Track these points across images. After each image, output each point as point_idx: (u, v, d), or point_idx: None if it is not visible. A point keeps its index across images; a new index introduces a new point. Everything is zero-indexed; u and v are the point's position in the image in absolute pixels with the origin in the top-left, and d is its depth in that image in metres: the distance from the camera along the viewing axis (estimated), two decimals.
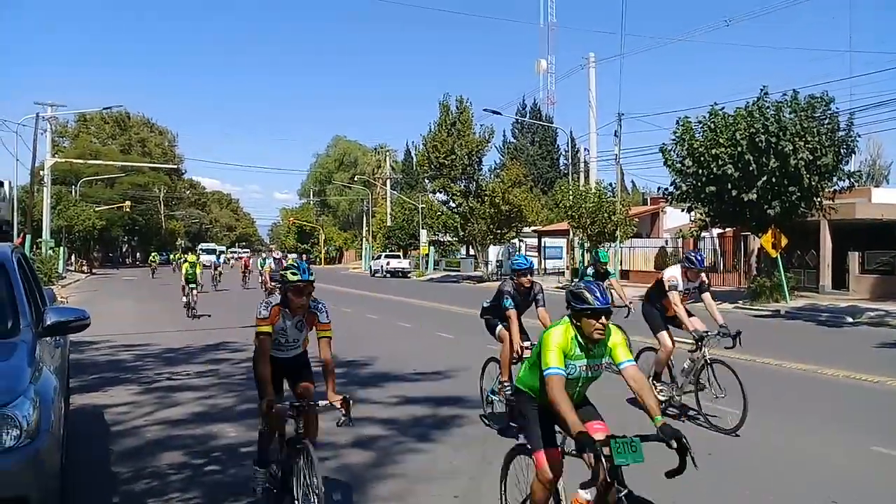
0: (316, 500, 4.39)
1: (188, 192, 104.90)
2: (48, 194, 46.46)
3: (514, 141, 72.02)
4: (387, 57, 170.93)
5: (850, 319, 19.30)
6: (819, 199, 23.18)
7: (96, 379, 10.25)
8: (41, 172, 46.26)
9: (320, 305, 5.06)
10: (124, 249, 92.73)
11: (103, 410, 8.32)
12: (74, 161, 58.47)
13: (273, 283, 22.56)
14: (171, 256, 62.45)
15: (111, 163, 64.65)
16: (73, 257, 59.05)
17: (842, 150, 22.48)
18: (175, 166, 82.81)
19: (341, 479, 5.84)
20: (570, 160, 47.82)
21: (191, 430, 7.45)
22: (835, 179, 23.00)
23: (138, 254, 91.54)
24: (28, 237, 34.75)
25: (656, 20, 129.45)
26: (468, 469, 6.08)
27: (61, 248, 48.84)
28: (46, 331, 5.00)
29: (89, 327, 5.48)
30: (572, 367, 4.21)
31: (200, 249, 74.18)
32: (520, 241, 49.60)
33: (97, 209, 60.30)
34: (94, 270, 57.47)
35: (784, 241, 23.22)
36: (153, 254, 52.17)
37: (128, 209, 64.95)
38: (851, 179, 23.35)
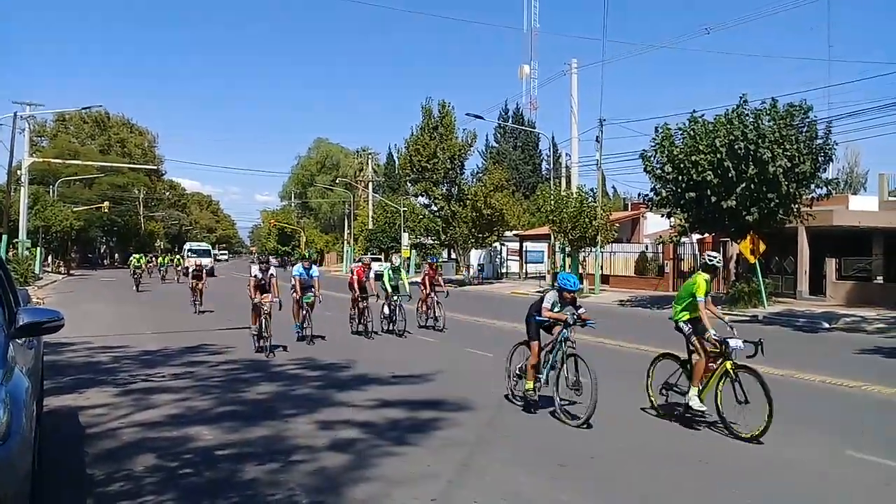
0: None
1: (168, 193, 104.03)
2: (25, 194, 45.90)
3: (497, 145, 72.13)
4: (370, 60, 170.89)
5: (827, 325, 19.51)
6: (797, 206, 23.42)
7: (72, 381, 10.12)
8: (18, 172, 45.74)
9: None
10: (102, 250, 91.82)
11: (78, 412, 8.22)
12: (52, 161, 57.77)
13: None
14: (161, 259, 50.30)
15: (90, 163, 63.97)
16: (50, 258, 58.39)
17: (820, 158, 22.74)
18: (155, 167, 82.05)
19: (319, 483, 5.81)
20: (551, 165, 47.96)
21: (167, 432, 7.37)
22: (812, 187, 23.26)
23: (116, 255, 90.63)
24: (4, 237, 34.34)
25: (638, 27, 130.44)
26: (446, 472, 6.07)
27: (38, 249, 48.26)
28: (19, 332, 4.92)
29: (65, 329, 5.41)
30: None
31: (189, 251, 60.46)
32: (501, 245, 49.70)
33: (75, 210, 59.65)
34: (71, 271, 56.81)
35: (762, 248, 23.43)
36: (136, 256, 37.65)
37: (106, 210, 64.29)
38: (829, 187, 23.61)
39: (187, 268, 49.66)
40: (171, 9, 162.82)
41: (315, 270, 15.53)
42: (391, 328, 16.89)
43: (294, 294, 15.13)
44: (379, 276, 18.32)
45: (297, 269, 15.51)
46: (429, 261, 20.32)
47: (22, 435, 3.89)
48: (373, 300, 16.95)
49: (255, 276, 13.77)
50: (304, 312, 15.13)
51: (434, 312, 18.30)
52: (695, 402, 7.79)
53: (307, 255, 19.85)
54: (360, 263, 18.28)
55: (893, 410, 9.24)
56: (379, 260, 57.27)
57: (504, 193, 44.09)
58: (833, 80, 63.23)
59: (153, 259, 54.30)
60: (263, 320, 13.24)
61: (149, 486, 5.66)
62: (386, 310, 17.09)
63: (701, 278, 8.15)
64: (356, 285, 16.76)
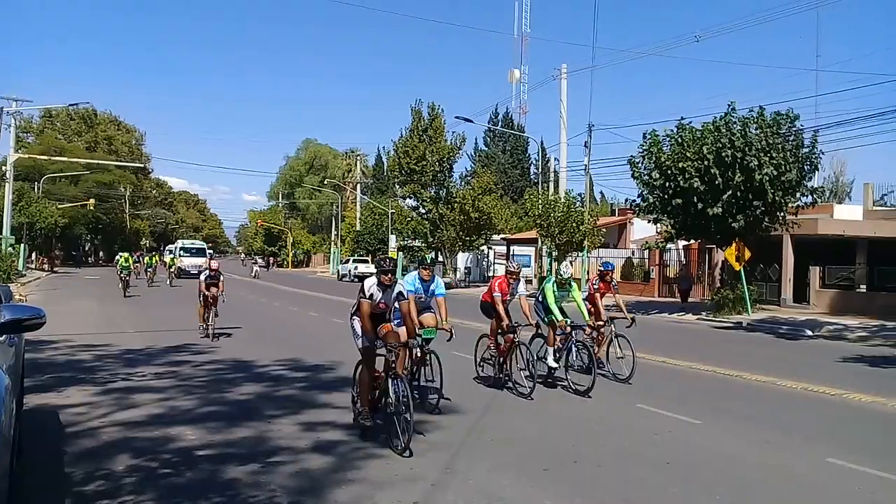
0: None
1: (154, 191, 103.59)
2: (10, 190, 45.50)
3: (486, 149, 72.24)
4: (360, 61, 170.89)
5: (810, 333, 19.63)
6: (782, 214, 23.57)
7: (53, 379, 10.02)
8: (3, 168, 45.38)
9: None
10: (87, 248, 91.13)
11: (59, 411, 8.14)
12: (38, 157, 57.38)
13: None
14: (148, 259, 41.15)
15: (76, 160, 63.51)
16: (34, 255, 57.88)
17: (805, 167, 22.90)
18: (142, 165, 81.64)
19: (301, 484, 5.78)
20: (540, 169, 48.05)
21: (148, 432, 7.31)
22: (798, 195, 23.40)
23: (101, 253, 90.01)
24: None
25: (628, 34, 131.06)
26: (429, 475, 6.05)
27: (22, 246, 47.83)
28: (0, 329, 4.87)
29: (47, 326, 5.36)
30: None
31: (181, 250, 54.10)
32: (488, 248, 49.74)
33: (60, 207, 59.22)
34: (55, 269, 56.36)
35: (748, 255, 23.56)
36: (124, 255, 30.99)
37: (92, 207, 63.88)
38: (814, 195, 23.78)
39: (181, 269, 45.66)
40: (160, 7, 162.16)
41: (440, 284, 9.77)
42: (553, 377, 10.60)
43: (391, 329, 7.78)
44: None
45: (411, 280, 9.54)
46: (601, 268, 12.94)
47: (1, 432, 3.85)
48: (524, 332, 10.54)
49: (371, 298, 7.46)
50: (417, 363, 9.10)
51: (608, 351, 11.61)
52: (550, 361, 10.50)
53: (429, 258, 9.41)
54: (505, 270, 11.03)
55: (875, 418, 9.29)
56: (366, 261, 57.16)
57: (492, 197, 44.16)
58: (820, 89, 63.87)
59: (140, 258, 46.10)
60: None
61: (128, 486, 5.60)
62: (549, 357, 10.50)
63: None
64: (500, 307, 10.23)
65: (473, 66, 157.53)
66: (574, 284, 10.98)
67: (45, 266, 56.55)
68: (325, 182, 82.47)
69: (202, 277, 15.94)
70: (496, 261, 52.29)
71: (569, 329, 10.43)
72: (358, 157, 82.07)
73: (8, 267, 35.07)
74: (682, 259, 33.60)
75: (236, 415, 8.17)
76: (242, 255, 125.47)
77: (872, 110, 38.81)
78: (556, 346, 10.59)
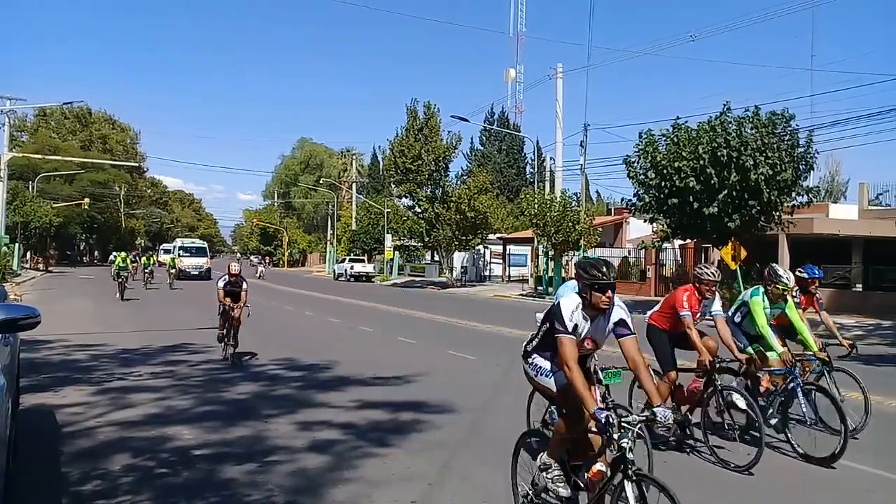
0: None
1: (149, 190, 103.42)
2: (4, 189, 45.32)
3: (482, 148, 72.26)
4: (355, 60, 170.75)
5: None
6: (778, 214, 23.61)
7: (49, 378, 9.99)
8: None
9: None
10: (82, 247, 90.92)
11: (55, 410, 8.11)
12: (32, 156, 57.22)
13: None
14: (146, 259, 37.35)
15: (71, 159, 63.36)
16: (28, 254, 57.73)
17: (801, 166, 22.95)
18: (136, 164, 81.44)
19: (297, 483, 5.77)
20: (536, 169, 48.09)
21: (144, 431, 7.30)
22: (794, 194, 23.46)
23: (96, 252, 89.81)
24: None
25: (624, 34, 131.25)
26: (426, 474, 6.04)
27: (16, 245, 47.70)
28: None
29: (43, 326, 5.33)
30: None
31: (180, 249, 49.67)
32: (485, 247, 49.75)
33: (55, 206, 59.07)
34: (50, 268, 56.21)
35: (743, 254, 23.59)
36: (121, 255, 28.38)
37: (87, 206, 63.74)
38: (810, 195, 23.84)
39: (181, 271, 41.35)
40: (156, 6, 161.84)
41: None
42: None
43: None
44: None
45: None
46: (802, 273, 8.90)
47: None
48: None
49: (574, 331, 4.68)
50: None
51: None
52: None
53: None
54: (696, 277, 7.23)
55: (875, 417, 9.30)
56: (362, 261, 57.12)
57: (488, 196, 44.14)
58: (816, 89, 64.01)
59: (137, 258, 41.35)
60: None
61: (124, 486, 5.59)
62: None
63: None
64: (695, 334, 7.01)
65: (469, 66, 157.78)
66: (790, 299, 7.83)
67: (40, 265, 56.40)
68: (321, 181, 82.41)
69: (220, 284, 12.76)
70: (492, 260, 52.36)
71: (794, 364, 7.12)
72: (354, 157, 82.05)
73: (2, 266, 34.95)
74: (679, 258, 33.64)
75: (233, 414, 8.16)
76: (238, 254, 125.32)
77: (868, 110, 38.92)
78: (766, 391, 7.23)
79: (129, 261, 29.06)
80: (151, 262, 37.24)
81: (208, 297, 22.83)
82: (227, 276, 12.77)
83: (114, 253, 46.81)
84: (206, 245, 55.52)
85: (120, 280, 26.99)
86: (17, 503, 4.94)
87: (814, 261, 27.10)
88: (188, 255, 46.97)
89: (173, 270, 36.55)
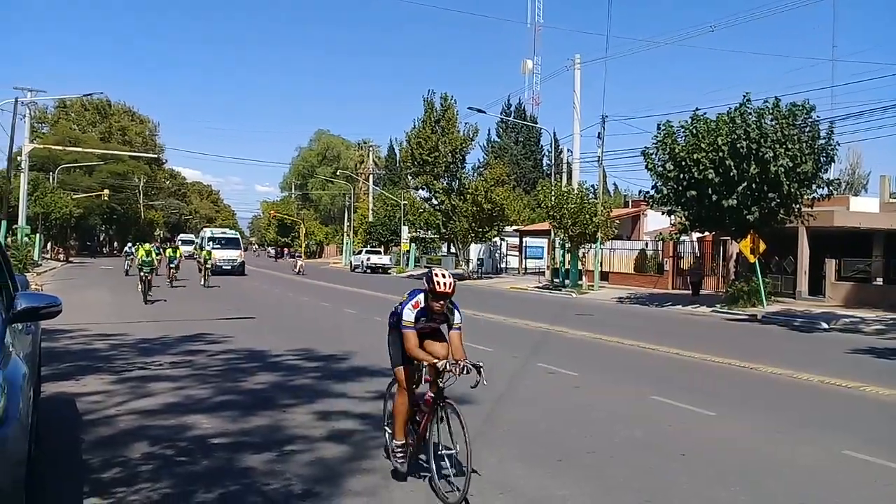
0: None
1: (168, 182, 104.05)
2: (25, 180, 45.84)
3: (499, 140, 72.12)
4: (372, 53, 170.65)
5: (825, 325, 19.50)
6: (798, 206, 23.41)
7: (69, 367, 10.11)
8: (18, 158, 45.68)
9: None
10: (102, 238, 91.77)
11: (75, 399, 8.20)
12: (53, 147, 57.74)
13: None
14: (171, 251, 32.31)
15: (90, 150, 63.87)
16: (49, 245, 58.35)
17: (821, 158, 22.71)
18: (155, 156, 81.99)
19: (316, 472, 5.79)
20: (553, 161, 47.93)
21: (164, 420, 7.36)
22: (814, 187, 23.23)
23: (116, 243, 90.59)
24: (3, 223, 34.29)
25: (643, 24, 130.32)
26: None
27: (37, 236, 48.22)
28: (16, 317, 4.89)
29: (63, 316, 5.39)
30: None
31: (209, 240, 42.88)
32: (501, 240, 49.70)
33: (75, 197, 59.63)
34: (70, 259, 56.79)
35: (762, 247, 23.42)
36: (145, 246, 24.38)
37: (106, 198, 64.27)
38: (830, 187, 23.60)
39: (215, 265, 34.87)
40: (174, 1, 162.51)
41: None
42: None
43: None
44: None
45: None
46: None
47: (19, 420, 3.88)
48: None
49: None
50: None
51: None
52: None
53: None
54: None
55: (892, 411, 9.23)
56: (378, 252, 57.22)
57: (505, 188, 44.14)
58: (837, 80, 63.18)
59: (160, 250, 36.30)
60: None
61: (144, 474, 5.64)
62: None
63: None
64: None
65: (486, 58, 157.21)
66: None
67: (61, 256, 57.02)
68: (338, 173, 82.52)
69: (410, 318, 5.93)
70: (508, 252, 52.30)
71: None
72: (370, 149, 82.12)
73: (24, 257, 35.33)
74: (696, 251, 33.43)
75: (251, 404, 8.21)
76: (255, 245, 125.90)
77: (890, 101, 38.45)
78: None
79: (153, 254, 24.21)
80: (178, 254, 31.10)
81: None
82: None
83: (130, 244, 45.02)
84: (238, 235, 49.36)
85: (144, 278, 22.07)
86: (39, 490, 4.99)
87: (834, 254, 27.04)
88: (218, 246, 40.34)
89: (209, 265, 30.83)
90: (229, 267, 40.03)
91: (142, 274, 22.35)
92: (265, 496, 5.26)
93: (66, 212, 54.61)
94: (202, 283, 29.93)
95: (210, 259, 31.15)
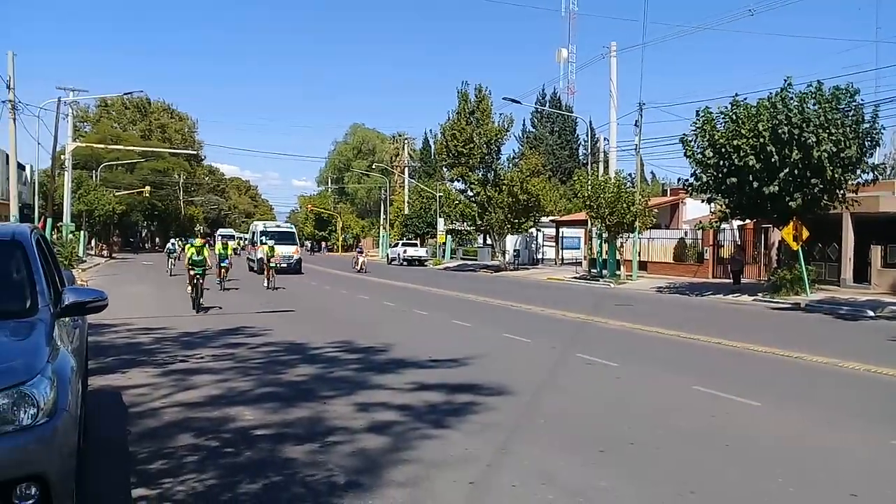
0: None
1: (207, 178, 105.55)
2: (69, 178, 46.86)
3: (534, 130, 71.70)
4: (406, 44, 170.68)
5: (871, 313, 19.07)
6: (842, 192, 22.89)
7: (115, 361, 10.32)
8: (62, 157, 46.65)
9: None
10: (143, 234, 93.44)
11: (121, 392, 8.36)
12: (95, 146, 58.90)
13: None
14: (221, 248, 25.34)
15: (132, 148, 65.07)
16: (93, 241, 59.57)
17: (866, 143, 22.17)
18: (194, 152, 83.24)
19: (358, 464, 5.83)
20: (589, 150, 47.54)
21: (207, 412, 7.47)
22: (858, 172, 22.69)
23: (157, 238, 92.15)
24: (49, 221, 35.08)
25: (679, 9, 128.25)
26: (484, 456, 6.04)
27: (82, 232, 49.27)
28: (64, 311, 5.01)
29: (107, 310, 5.48)
30: None
31: (261, 234, 39.01)
32: (537, 230, 49.48)
33: (117, 194, 60.78)
34: (113, 255, 57.94)
35: (805, 234, 22.96)
36: (196, 242, 20.60)
37: (147, 194, 65.38)
38: (875, 172, 23.01)
39: (278, 265, 31.26)
40: None
41: None
42: None
43: None
44: None
45: None
46: None
47: (68, 412, 3.96)
48: None
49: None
50: None
51: None
52: None
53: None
54: None
55: None
56: (415, 245, 57.34)
57: (540, 179, 43.84)
58: (881, 62, 61.50)
59: (210, 245, 30.52)
60: None
61: (190, 465, 5.73)
62: None
63: None
64: None
65: (521, 48, 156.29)
66: None
67: (104, 252, 58.19)
68: (373, 166, 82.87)
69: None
70: (545, 243, 52.04)
71: None
72: (405, 141, 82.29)
73: (69, 253, 36.11)
74: (737, 239, 32.91)
75: (292, 395, 8.29)
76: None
77: None
78: None
79: (206, 252, 20.18)
80: (228, 251, 25.51)
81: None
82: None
83: (172, 241, 40.29)
84: (294, 229, 44.02)
85: (195, 281, 18.48)
86: (87, 480, 5.10)
87: (879, 240, 26.42)
88: (272, 241, 33.44)
89: (273, 263, 27.31)
90: (286, 265, 35.68)
91: (192, 274, 18.69)
92: (308, 487, 5.30)
93: (108, 209, 55.66)
94: (265, 284, 26.36)
95: (273, 255, 27.53)
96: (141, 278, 31.52)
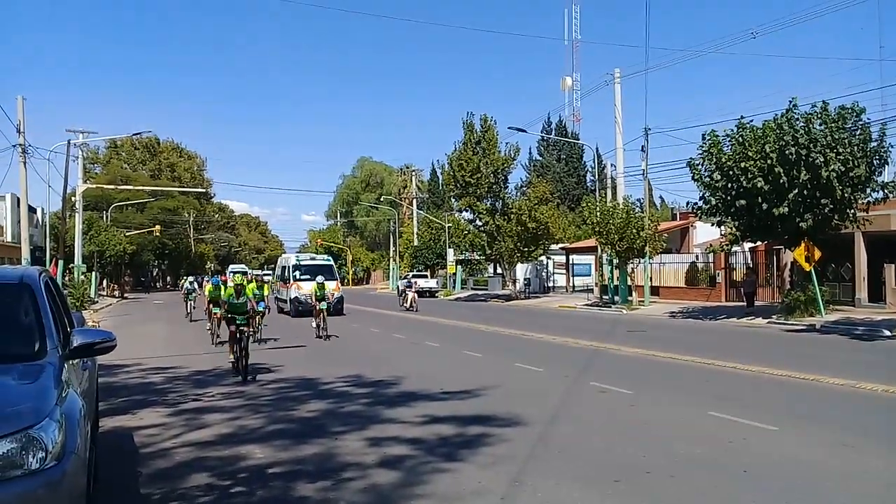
0: None
1: (217, 215, 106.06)
2: (80, 220, 47.23)
3: (540, 158, 71.98)
4: (411, 76, 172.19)
5: (888, 333, 18.85)
6: (853, 211, 22.78)
7: (126, 401, 10.28)
8: (73, 199, 47.09)
9: None
10: (155, 273, 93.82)
11: (133, 433, 8.32)
12: (105, 187, 59.46)
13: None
14: (252, 288, 15.46)
15: (141, 188, 65.62)
16: (104, 282, 59.87)
17: (875, 161, 22.10)
18: (204, 190, 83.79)
19: (370, 500, 5.76)
20: (596, 176, 47.59)
21: (219, 451, 7.41)
22: (868, 191, 22.58)
23: (168, 277, 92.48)
24: (61, 262, 35.29)
25: (682, 34, 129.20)
26: (497, 488, 5.96)
27: (93, 273, 49.54)
28: (73, 353, 5.01)
29: (119, 351, 5.48)
30: None
31: (297, 268, 33.14)
32: (547, 258, 49.41)
33: (128, 234, 61.17)
34: (125, 295, 58.17)
35: (818, 254, 22.81)
36: (236, 278, 14.65)
37: (158, 233, 65.77)
38: (886, 190, 22.87)
39: (300, 303, 28.94)
40: (214, 33, 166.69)
41: None
42: None
43: None
44: None
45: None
46: None
47: (77, 455, 3.94)
48: None
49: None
50: None
51: None
52: None
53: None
54: None
55: None
56: (425, 276, 57.30)
57: (549, 206, 43.85)
58: (886, 81, 61.54)
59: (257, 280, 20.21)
60: None
61: None
62: None
63: None
64: None
65: (525, 78, 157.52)
66: None
67: (116, 292, 58.46)
68: (382, 199, 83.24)
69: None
70: (555, 271, 51.93)
71: None
72: (413, 173, 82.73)
73: (81, 294, 36.29)
74: (749, 261, 32.74)
75: (303, 432, 8.23)
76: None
77: None
78: None
79: (249, 292, 14.54)
80: (264, 291, 18.42)
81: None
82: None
83: (190, 278, 34.00)
84: (332, 262, 36.11)
85: (237, 335, 13.37)
86: None
87: (893, 259, 26.17)
88: (308, 277, 28.91)
89: (322, 306, 20.77)
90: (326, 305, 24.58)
91: (233, 329, 13.44)
92: None
93: (119, 249, 55.99)
94: (318, 333, 20.47)
95: (323, 295, 20.82)
96: (153, 317, 31.58)
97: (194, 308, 28.45)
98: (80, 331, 5.43)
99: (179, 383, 12.23)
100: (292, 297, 30.54)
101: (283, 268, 34.99)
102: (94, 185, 56.49)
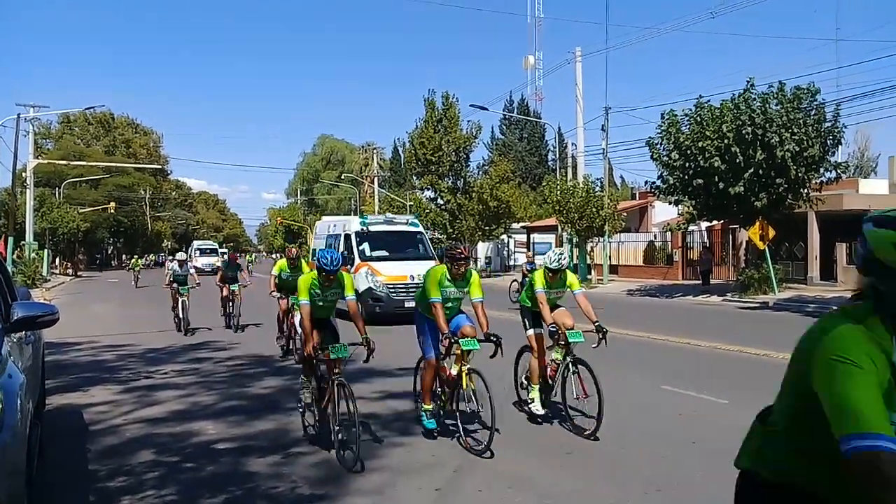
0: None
1: (174, 192, 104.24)
2: (31, 196, 46.01)
3: (502, 137, 71.90)
4: (372, 54, 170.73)
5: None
6: (806, 191, 23.21)
7: (76, 379, 10.07)
8: (23, 174, 45.84)
9: None
10: (110, 251, 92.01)
11: (82, 410, 8.16)
12: (58, 163, 57.93)
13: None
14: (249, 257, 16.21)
15: (95, 164, 64.02)
16: (57, 260, 58.52)
17: (828, 141, 22.51)
18: (160, 167, 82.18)
19: (322, 473, 5.73)
20: (557, 155, 47.80)
21: (170, 428, 7.31)
22: (822, 171, 23.01)
23: (123, 256, 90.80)
24: (10, 239, 34.41)
25: (642, 13, 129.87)
26: (450, 461, 5.98)
27: (45, 251, 48.36)
28: (13, 326, 4.87)
29: (72, 328, 5.36)
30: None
31: (365, 247, 18.75)
32: (509, 237, 49.59)
33: (81, 211, 59.79)
34: (79, 273, 56.93)
35: (772, 233, 23.23)
36: (251, 256, 14.57)
37: (112, 211, 64.38)
38: (838, 170, 23.36)
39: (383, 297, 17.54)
40: (173, 8, 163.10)
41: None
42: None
43: None
44: None
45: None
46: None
47: (15, 429, 3.82)
48: None
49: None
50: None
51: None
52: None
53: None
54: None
55: None
56: None
57: (510, 185, 43.94)
58: (841, 61, 62.70)
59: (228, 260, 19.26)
60: None
61: (150, 481, 5.59)
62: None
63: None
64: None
65: (487, 56, 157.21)
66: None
67: (69, 271, 57.12)
68: (343, 177, 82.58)
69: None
70: (517, 249, 52.17)
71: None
72: (374, 151, 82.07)
73: (32, 273, 35.46)
74: (705, 240, 33.24)
75: (257, 408, 8.16)
76: (263, 253, 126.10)
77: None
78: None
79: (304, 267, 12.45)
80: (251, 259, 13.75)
81: None
82: None
83: (180, 254, 20.82)
84: (421, 228, 21.72)
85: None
86: (44, 501, 4.95)
87: (845, 237, 26.76)
88: (385, 254, 19.07)
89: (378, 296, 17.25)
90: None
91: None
92: (271, 499, 5.20)
93: (73, 226, 54.70)
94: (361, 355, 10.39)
95: (378, 280, 17.19)
96: (106, 296, 30.96)
97: (186, 304, 18.98)
98: (21, 304, 5.27)
99: (132, 361, 12.00)
100: (363, 287, 17.30)
101: (335, 236, 20.34)
102: (46, 161, 54.90)
